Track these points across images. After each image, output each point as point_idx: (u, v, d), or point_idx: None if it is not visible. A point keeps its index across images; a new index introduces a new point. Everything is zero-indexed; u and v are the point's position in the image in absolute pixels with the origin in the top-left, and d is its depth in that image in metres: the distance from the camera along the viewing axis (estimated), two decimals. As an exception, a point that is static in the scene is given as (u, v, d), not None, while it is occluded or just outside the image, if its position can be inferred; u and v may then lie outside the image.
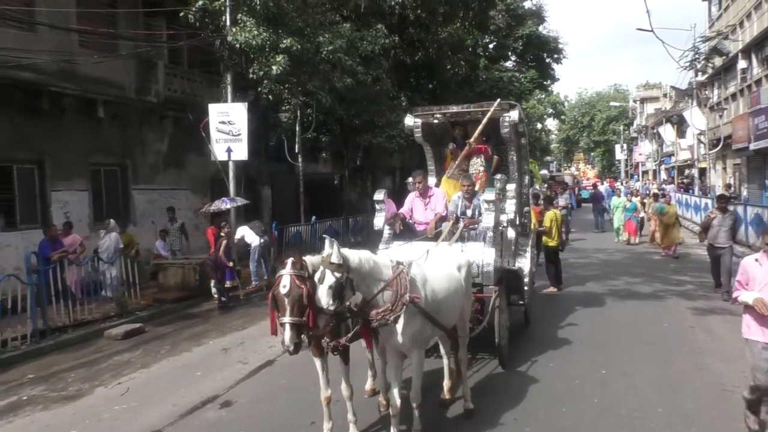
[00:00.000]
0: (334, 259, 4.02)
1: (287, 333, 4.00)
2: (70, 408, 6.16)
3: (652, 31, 11.38)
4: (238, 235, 12.72)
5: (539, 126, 44.58)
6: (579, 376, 6.30)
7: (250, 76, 12.89)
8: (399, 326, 4.41)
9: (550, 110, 46.06)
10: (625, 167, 61.32)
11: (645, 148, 54.82)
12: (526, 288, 7.62)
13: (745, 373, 6.26)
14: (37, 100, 11.78)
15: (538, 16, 30.79)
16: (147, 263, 13.17)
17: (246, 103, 12.62)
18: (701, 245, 12.55)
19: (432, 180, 8.21)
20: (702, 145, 29.44)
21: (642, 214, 18.69)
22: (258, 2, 11.97)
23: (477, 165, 7.96)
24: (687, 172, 36.99)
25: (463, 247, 6.35)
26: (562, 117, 56.09)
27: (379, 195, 7.09)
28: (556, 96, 47.16)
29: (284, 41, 12.24)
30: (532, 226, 10.96)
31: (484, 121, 7.52)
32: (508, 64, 30.68)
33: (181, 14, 12.53)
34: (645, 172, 55.88)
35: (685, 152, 36.47)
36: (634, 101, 62.48)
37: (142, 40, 13.87)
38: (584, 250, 16.58)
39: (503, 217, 6.96)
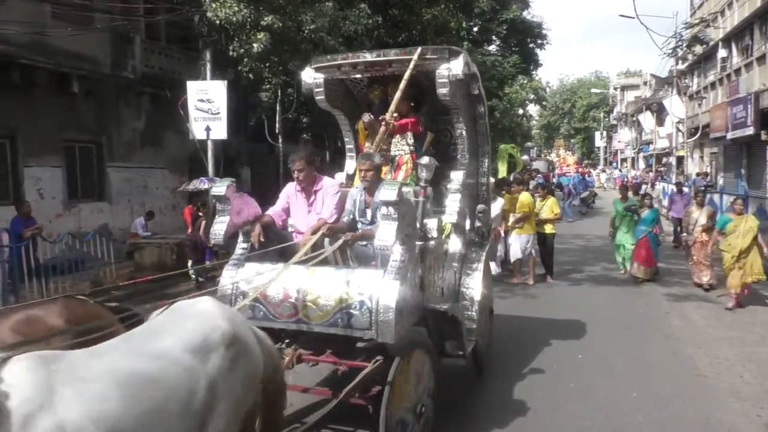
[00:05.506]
0: None
1: None
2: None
3: (636, 17, 11.38)
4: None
5: (521, 111, 44.68)
6: (556, 362, 6.34)
7: (230, 53, 12.62)
8: None
9: (532, 96, 46.13)
10: (604, 154, 61.90)
11: (624, 135, 55.43)
12: (474, 326, 5.21)
13: (718, 358, 6.40)
14: (8, 74, 11.41)
15: (522, 0, 30.67)
16: (123, 242, 12.97)
17: (225, 81, 12.40)
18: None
19: (352, 164, 5.90)
20: (680, 134, 29.79)
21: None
22: (239, -23, 11.68)
23: (401, 145, 5.55)
24: (665, 160, 37.45)
25: (351, 274, 4.13)
26: (544, 103, 56.29)
27: (219, 188, 4.51)
28: (538, 81, 47.20)
29: (265, 18, 11.98)
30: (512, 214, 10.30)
31: (403, 84, 5.08)
32: (492, 48, 30.54)
33: (160, -12, 12.22)
34: (624, 160, 56.52)
35: (663, 140, 36.88)
36: (615, 89, 62.91)
37: (118, 13, 13.48)
38: (562, 236, 16.68)
39: (431, 223, 4.59)
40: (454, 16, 22.84)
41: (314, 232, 4.52)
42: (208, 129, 12.08)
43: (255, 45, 12.01)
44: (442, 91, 5.04)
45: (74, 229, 12.14)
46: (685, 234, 10.51)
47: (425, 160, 5.00)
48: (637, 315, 8.39)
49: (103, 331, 2.90)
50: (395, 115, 5.25)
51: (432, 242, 4.62)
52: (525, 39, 30.80)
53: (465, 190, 5.40)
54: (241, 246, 4.63)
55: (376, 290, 3.94)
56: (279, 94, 16.49)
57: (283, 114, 17.28)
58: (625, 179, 33.10)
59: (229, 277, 4.42)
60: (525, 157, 42.74)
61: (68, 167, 13.15)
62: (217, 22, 11.87)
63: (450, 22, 22.42)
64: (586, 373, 6.02)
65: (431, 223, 4.61)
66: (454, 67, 5.00)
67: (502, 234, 10.30)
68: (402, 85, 5.08)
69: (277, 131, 17.50)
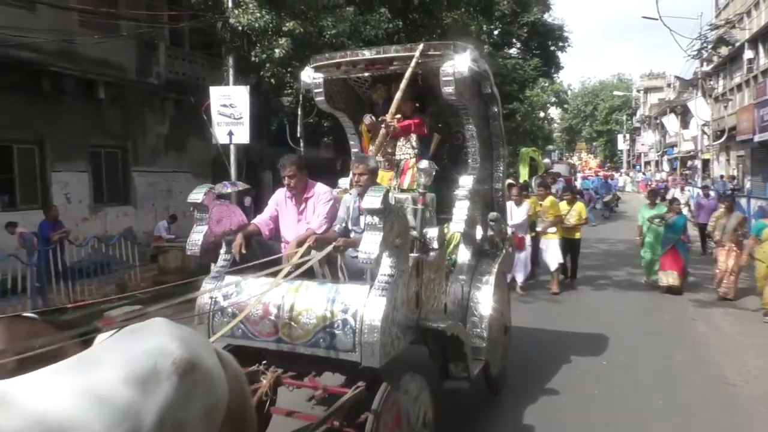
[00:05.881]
0: None
1: None
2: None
3: (659, 18, 11.24)
4: None
5: (542, 114, 44.39)
6: (580, 368, 6.27)
7: (253, 59, 12.76)
8: None
9: (553, 99, 45.79)
10: (627, 157, 61.17)
11: (648, 138, 54.76)
12: (483, 345, 4.81)
13: (747, 366, 6.27)
14: (38, 81, 11.70)
15: (543, 3, 30.48)
16: (147, 246, 13.15)
17: (248, 87, 12.52)
18: None
19: None
20: (706, 137, 29.31)
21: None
22: (261, -16, 11.82)
23: (406, 148, 5.35)
24: (690, 163, 36.89)
25: (335, 289, 3.72)
26: (565, 106, 55.83)
27: (195, 195, 4.15)
28: (559, 84, 46.82)
29: (287, 24, 12.10)
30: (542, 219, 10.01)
31: (404, 83, 4.80)
32: (513, 51, 30.40)
33: (183, -5, 12.42)
34: (647, 163, 55.81)
35: (688, 143, 36.35)
36: (638, 91, 62.22)
37: (143, 20, 13.71)
38: (585, 240, 16.49)
39: (432, 233, 4.17)
40: (474, 20, 22.80)
41: (300, 244, 4.10)
42: (230, 134, 12.19)
43: (277, 50, 12.13)
44: (447, 90, 4.69)
45: (100, 232, 12.37)
46: (713, 243, 9.81)
47: (424, 164, 4.49)
48: (662, 321, 8.26)
49: (47, 353, 2.50)
50: (398, 116, 5.02)
51: (432, 253, 4.15)
52: (546, 42, 30.64)
53: (475, 197, 5.02)
54: (223, 258, 4.23)
55: (361, 308, 3.54)
56: (300, 99, 16.59)
57: (304, 118, 17.37)
58: (649, 182, 32.64)
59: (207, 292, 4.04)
60: (546, 160, 42.45)
61: (94, 172, 13.42)
62: (240, 28, 12.02)
63: (470, 25, 22.39)
64: (611, 380, 5.94)
65: (432, 233, 4.17)
66: (460, 64, 4.64)
67: (528, 241, 9.93)
68: (403, 84, 4.78)
69: (298, 135, 17.60)
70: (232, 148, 12.58)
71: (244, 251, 4.11)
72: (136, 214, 14.29)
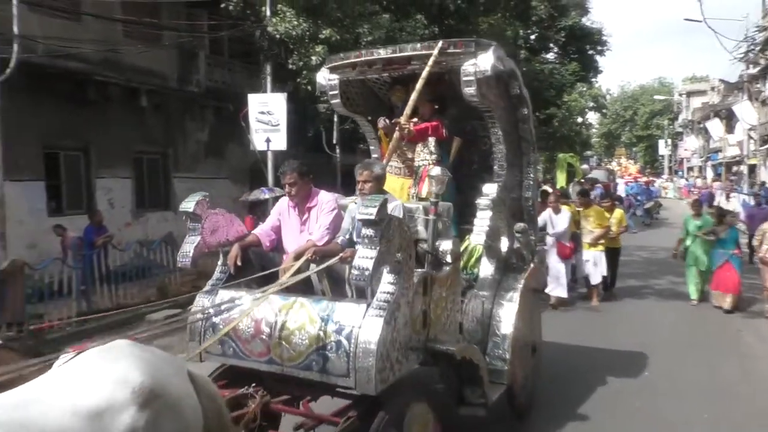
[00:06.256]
0: None
1: None
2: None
3: (703, 20, 10.94)
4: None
5: (580, 119, 43.63)
6: (620, 379, 6.11)
7: (290, 66, 12.95)
8: None
9: (591, 104, 44.96)
10: (669, 163, 59.67)
11: (691, 143, 53.26)
12: (505, 367, 4.42)
13: (798, 380, 6.02)
14: (84, 89, 12.10)
15: (581, 7, 30.05)
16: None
17: (285, 94, 12.70)
18: None
19: None
20: (752, 141, 28.39)
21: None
22: (298, -8, 12.01)
23: (424, 153, 4.99)
24: (735, 169, 35.76)
25: (330, 307, 3.41)
26: (604, 111, 54.77)
27: (188, 204, 3.90)
28: (597, 89, 45.96)
29: (324, 32, 12.25)
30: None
31: (420, 83, 4.52)
32: (550, 56, 30.03)
33: (222, 5, 12.66)
34: (690, 169, 54.33)
35: (733, 148, 35.25)
36: (680, 95, 60.64)
37: (183, 30, 14.07)
38: (625, 248, 16.10)
39: (445, 246, 3.91)
40: (510, 25, 22.61)
41: (298, 256, 3.82)
42: (268, 140, 12.36)
43: (313, 58, 12.26)
44: (469, 90, 4.35)
45: (142, 237, 12.68)
46: (758, 258, 9.25)
47: (435, 171, 4.16)
48: (706, 331, 8.01)
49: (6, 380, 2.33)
50: (414, 119, 4.75)
51: (446, 268, 3.89)
52: (584, 46, 30.19)
53: (500, 206, 4.64)
54: (219, 270, 4.02)
55: (356, 329, 3.23)
56: (336, 106, 16.72)
57: (340, 125, 17.50)
58: (692, 188, 31.75)
59: (200, 306, 3.86)
60: (585, 166, 41.60)
61: (137, 178, 13.81)
62: (277, 36, 12.23)
63: (507, 30, 22.21)
64: (653, 392, 5.78)
65: (445, 246, 3.88)
66: (482, 62, 4.29)
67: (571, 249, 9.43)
68: (419, 84, 4.50)
69: (334, 142, 17.73)
70: (269, 154, 12.75)
71: (239, 263, 3.91)
72: (176, 220, 14.57)
